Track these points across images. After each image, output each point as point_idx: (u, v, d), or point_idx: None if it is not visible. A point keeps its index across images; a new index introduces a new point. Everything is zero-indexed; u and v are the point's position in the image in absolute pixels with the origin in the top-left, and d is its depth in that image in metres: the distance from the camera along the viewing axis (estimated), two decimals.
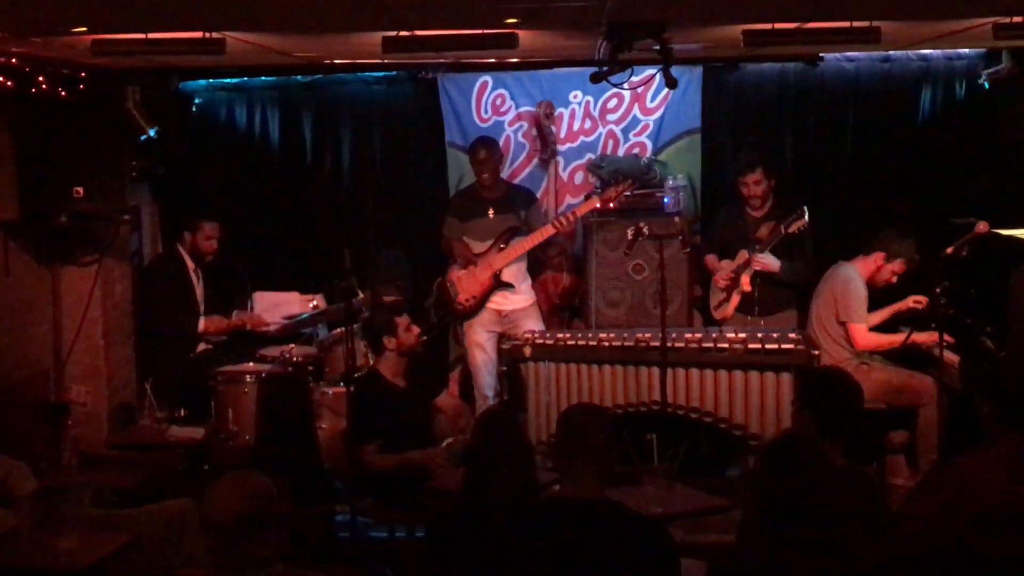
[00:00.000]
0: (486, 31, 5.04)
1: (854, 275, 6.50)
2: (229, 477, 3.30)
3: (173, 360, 6.84)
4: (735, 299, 6.81)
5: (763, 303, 6.74)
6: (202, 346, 6.97)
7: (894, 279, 6.57)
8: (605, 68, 5.09)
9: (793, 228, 6.47)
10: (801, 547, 3.21)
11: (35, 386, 6.72)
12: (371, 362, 6.59)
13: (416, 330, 5.88)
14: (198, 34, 4.96)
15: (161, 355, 6.93)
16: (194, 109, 7.94)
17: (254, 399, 6.41)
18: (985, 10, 5.02)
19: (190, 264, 7.04)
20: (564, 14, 4.66)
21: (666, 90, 7.23)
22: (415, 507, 5.25)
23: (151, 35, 4.96)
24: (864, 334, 6.41)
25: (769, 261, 6.63)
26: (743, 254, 6.74)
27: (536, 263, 7.27)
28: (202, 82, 7.84)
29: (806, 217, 6.44)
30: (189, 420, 6.48)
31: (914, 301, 6.50)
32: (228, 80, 7.86)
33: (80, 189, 6.40)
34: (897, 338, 6.39)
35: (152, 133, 6.90)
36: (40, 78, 6.09)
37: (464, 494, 3.90)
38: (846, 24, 5.04)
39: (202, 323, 6.98)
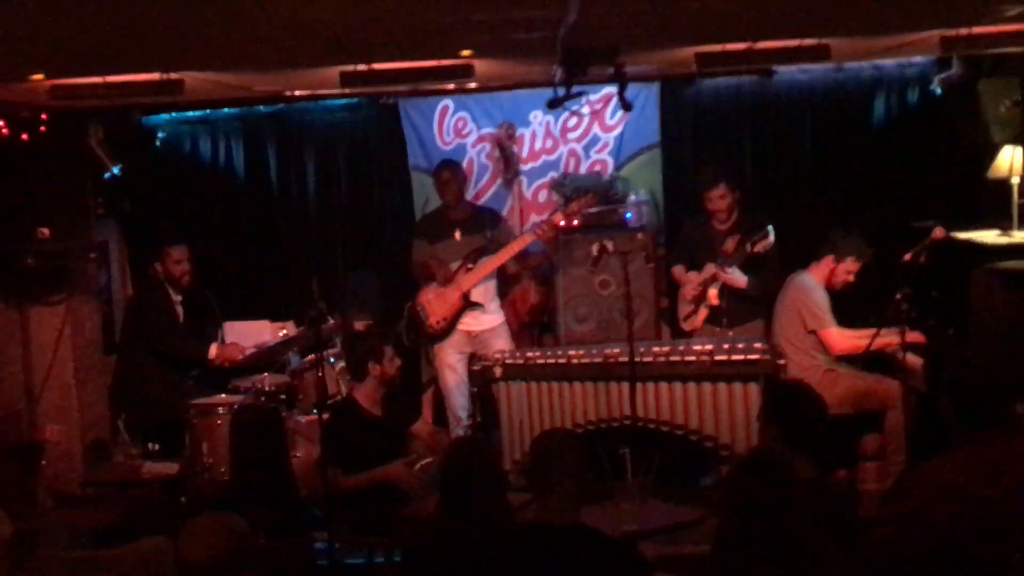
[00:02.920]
0: (442, 62, 5.10)
1: (812, 283, 6.54)
2: (202, 519, 3.32)
3: (148, 394, 6.84)
4: (703, 312, 6.86)
5: (731, 315, 6.78)
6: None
7: (851, 278, 6.56)
8: (561, 94, 5.15)
9: (758, 247, 6.53)
10: (774, 562, 3.28)
11: (8, 428, 6.71)
12: (343, 389, 6.63)
13: (399, 363, 5.87)
14: (156, 76, 4.99)
15: (135, 390, 6.92)
16: (158, 143, 7.95)
17: (227, 431, 6.41)
18: (932, 24, 5.11)
19: (173, 295, 7.03)
20: (518, 44, 4.73)
21: None
22: (392, 533, 5.28)
23: (109, 78, 4.99)
24: (838, 337, 6.43)
25: (736, 277, 6.69)
26: (710, 268, 6.80)
27: (506, 279, 7.32)
28: (164, 116, 7.86)
29: (771, 237, 6.50)
30: (163, 455, 6.48)
31: (887, 334, 6.28)
32: (191, 113, 7.89)
33: (46, 230, 6.41)
34: (868, 332, 6.41)
35: (116, 171, 6.90)
36: (1, 123, 6.09)
37: (438, 522, 3.94)
38: (796, 42, 5.13)
39: (214, 349, 6.97)
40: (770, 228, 6.52)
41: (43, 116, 6.30)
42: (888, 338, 6.19)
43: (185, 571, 3.25)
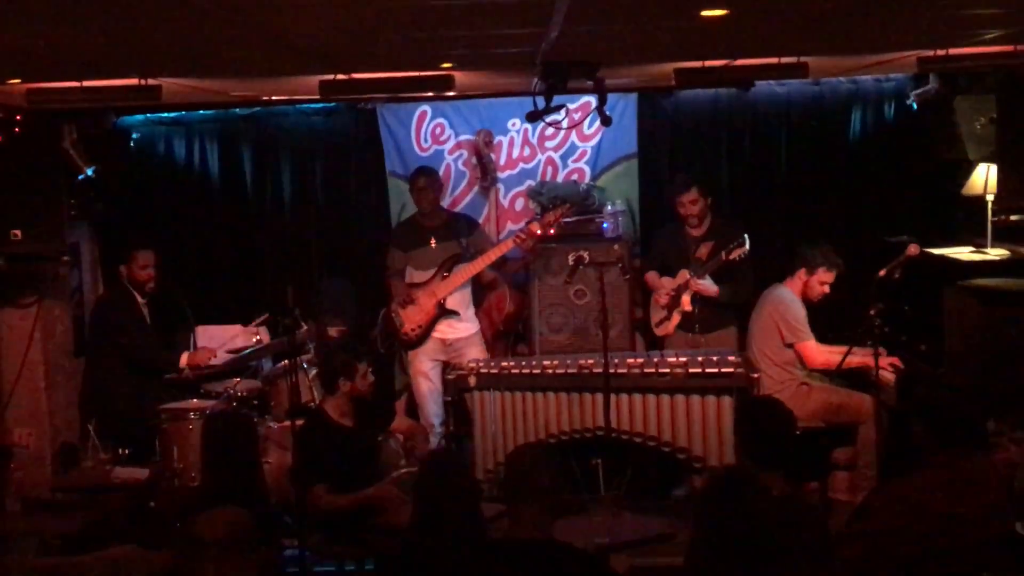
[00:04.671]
0: (422, 73, 5.09)
1: (790, 296, 6.58)
2: (212, 510, 3.60)
3: (117, 399, 6.79)
4: (676, 318, 6.89)
5: (704, 321, 6.81)
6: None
7: (827, 289, 6.58)
8: (541, 104, 5.16)
9: (734, 255, 6.56)
10: None
11: None
12: (316, 397, 6.60)
13: (371, 380, 5.84)
14: (134, 81, 4.96)
15: (105, 394, 6.87)
16: (132, 144, 7.89)
17: (199, 436, 6.37)
18: (909, 45, 5.15)
19: (139, 299, 6.98)
20: (499, 58, 4.73)
21: None
22: (364, 543, 5.26)
23: (86, 83, 4.95)
24: (815, 351, 6.47)
25: (708, 285, 6.71)
26: (684, 274, 6.82)
27: (481, 287, 7.31)
28: (139, 117, 7.80)
29: (747, 246, 6.54)
30: (134, 459, 6.43)
31: (861, 354, 6.31)
32: (166, 115, 7.83)
33: (18, 232, 6.35)
34: (844, 349, 6.43)
35: (90, 172, 6.85)
36: None
37: (412, 534, 3.94)
38: (774, 60, 5.16)
39: (184, 358, 6.91)
40: (746, 237, 6.55)
41: (18, 117, 6.24)
42: (863, 359, 6.22)
43: (200, 550, 3.44)
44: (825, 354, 6.49)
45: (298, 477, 5.56)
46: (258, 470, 6.13)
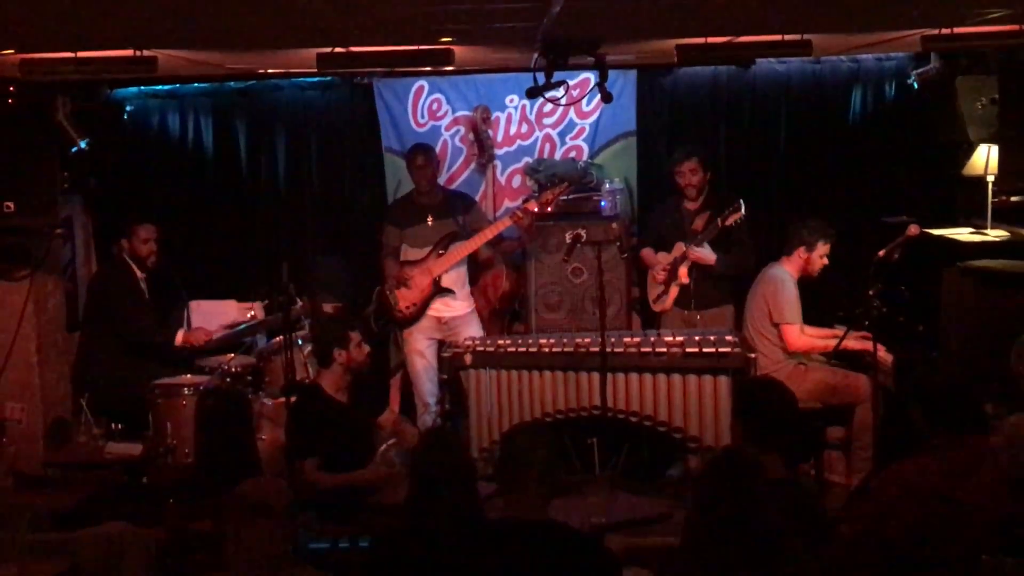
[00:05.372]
0: (421, 47, 5.04)
1: (785, 276, 6.54)
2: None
3: (110, 374, 6.75)
4: (674, 292, 6.85)
5: (700, 297, 6.79)
6: None
7: (826, 260, 6.53)
8: (541, 80, 5.11)
9: (730, 221, 6.53)
10: (742, 561, 3.28)
11: None
12: (311, 374, 6.57)
13: (367, 349, 5.81)
14: (129, 52, 4.90)
15: (98, 369, 6.83)
16: (126, 117, 7.83)
17: (192, 412, 6.35)
18: (914, 23, 5.10)
19: (138, 273, 6.93)
20: (499, 33, 4.68)
21: None
22: (359, 521, 5.24)
23: (80, 54, 4.88)
24: (797, 335, 6.44)
25: (705, 253, 6.67)
26: (680, 246, 6.79)
27: (477, 265, 7.27)
28: (133, 89, 7.73)
29: (743, 210, 6.50)
30: (126, 435, 6.39)
31: (854, 339, 6.31)
32: (160, 87, 7.75)
33: (11, 204, 6.29)
34: (830, 341, 6.44)
35: (83, 145, 6.79)
36: None
37: (408, 514, 3.91)
38: (777, 37, 5.11)
39: (180, 336, 6.87)
40: (741, 202, 6.51)
41: (10, 88, 6.17)
42: (858, 343, 6.20)
43: (253, 511, 3.57)
44: (807, 339, 6.45)
45: (290, 450, 5.53)
46: (252, 446, 6.14)
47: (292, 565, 3.68)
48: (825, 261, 6.56)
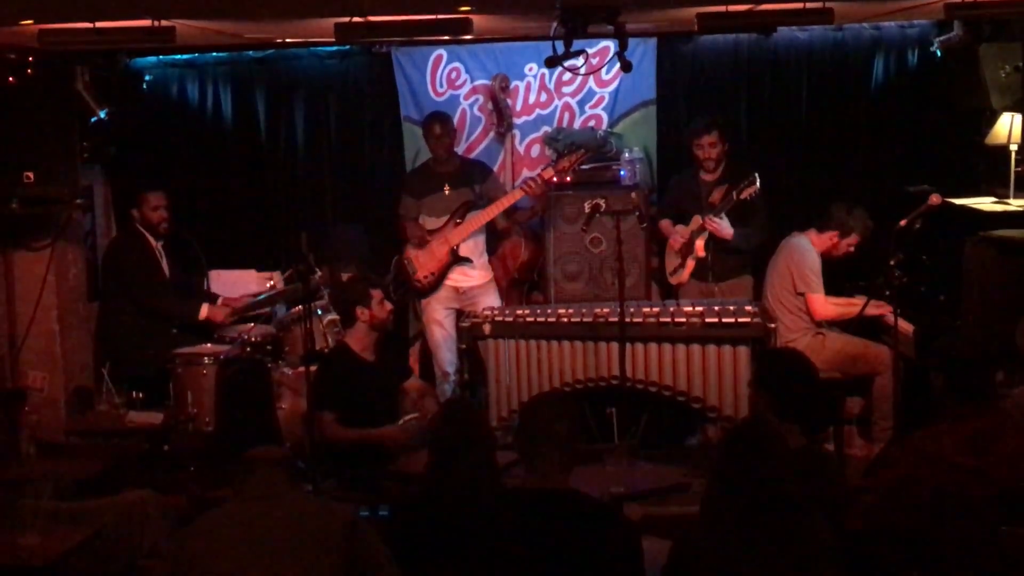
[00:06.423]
0: (440, 16, 5.00)
1: (808, 246, 6.53)
2: None
3: (130, 343, 6.79)
4: (690, 264, 6.83)
5: (718, 269, 6.77)
6: None
7: (852, 250, 6.59)
8: (560, 49, 5.07)
9: (745, 195, 6.50)
10: (762, 530, 3.28)
11: None
12: (330, 342, 6.60)
13: (389, 306, 5.87)
14: (147, 22, 4.89)
15: (118, 338, 6.87)
16: (145, 86, 7.83)
17: (213, 381, 6.39)
18: None
19: (152, 242, 6.95)
20: (517, 1, 4.64)
21: None
22: (378, 488, 5.27)
23: (99, 24, 4.87)
24: (823, 303, 6.44)
25: (723, 225, 6.64)
26: (697, 219, 6.76)
27: (495, 235, 7.26)
28: (152, 59, 7.75)
29: (757, 184, 6.46)
30: (147, 404, 6.43)
31: (875, 306, 6.38)
32: (179, 56, 7.76)
33: (31, 174, 6.30)
34: (854, 307, 6.42)
35: (103, 115, 6.80)
36: None
37: (428, 483, 3.94)
38: (799, 5, 5.06)
39: (204, 310, 6.90)
40: (756, 175, 6.48)
41: (30, 59, 6.18)
42: (879, 308, 6.19)
43: None
44: (833, 307, 6.46)
45: (312, 402, 5.56)
46: (272, 415, 6.18)
47: None
48: (852, 250, 6.57)
